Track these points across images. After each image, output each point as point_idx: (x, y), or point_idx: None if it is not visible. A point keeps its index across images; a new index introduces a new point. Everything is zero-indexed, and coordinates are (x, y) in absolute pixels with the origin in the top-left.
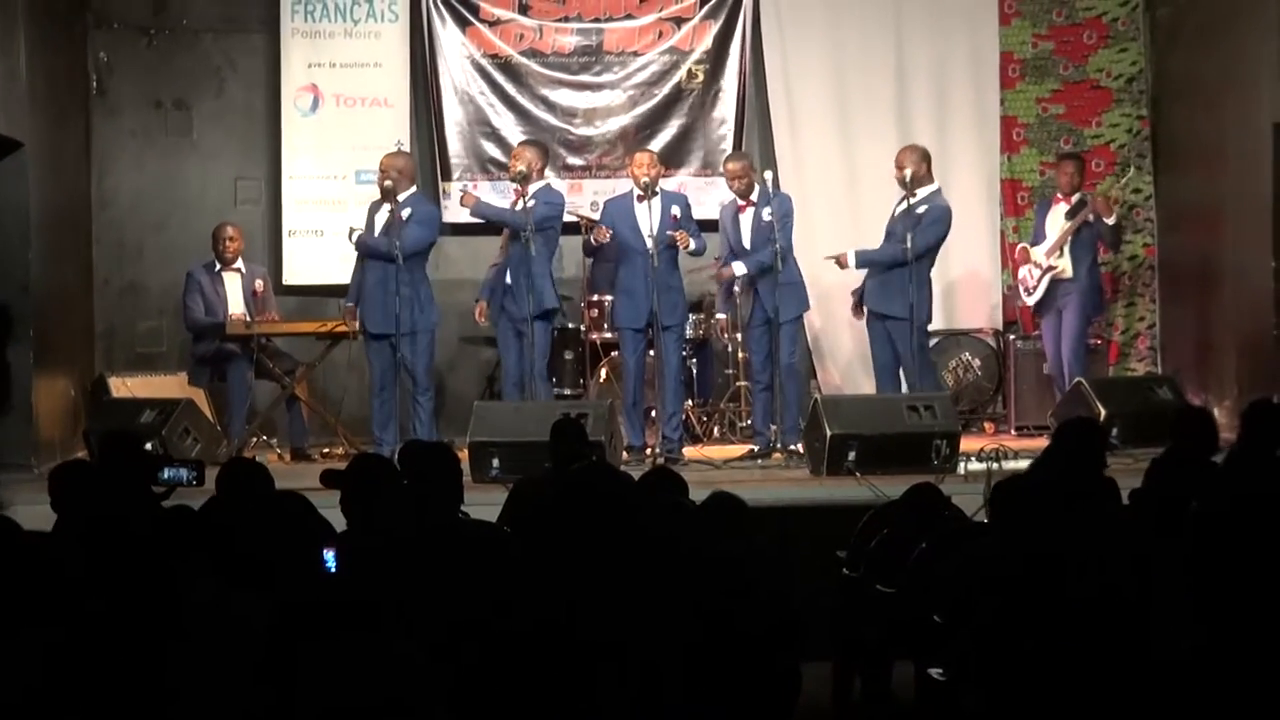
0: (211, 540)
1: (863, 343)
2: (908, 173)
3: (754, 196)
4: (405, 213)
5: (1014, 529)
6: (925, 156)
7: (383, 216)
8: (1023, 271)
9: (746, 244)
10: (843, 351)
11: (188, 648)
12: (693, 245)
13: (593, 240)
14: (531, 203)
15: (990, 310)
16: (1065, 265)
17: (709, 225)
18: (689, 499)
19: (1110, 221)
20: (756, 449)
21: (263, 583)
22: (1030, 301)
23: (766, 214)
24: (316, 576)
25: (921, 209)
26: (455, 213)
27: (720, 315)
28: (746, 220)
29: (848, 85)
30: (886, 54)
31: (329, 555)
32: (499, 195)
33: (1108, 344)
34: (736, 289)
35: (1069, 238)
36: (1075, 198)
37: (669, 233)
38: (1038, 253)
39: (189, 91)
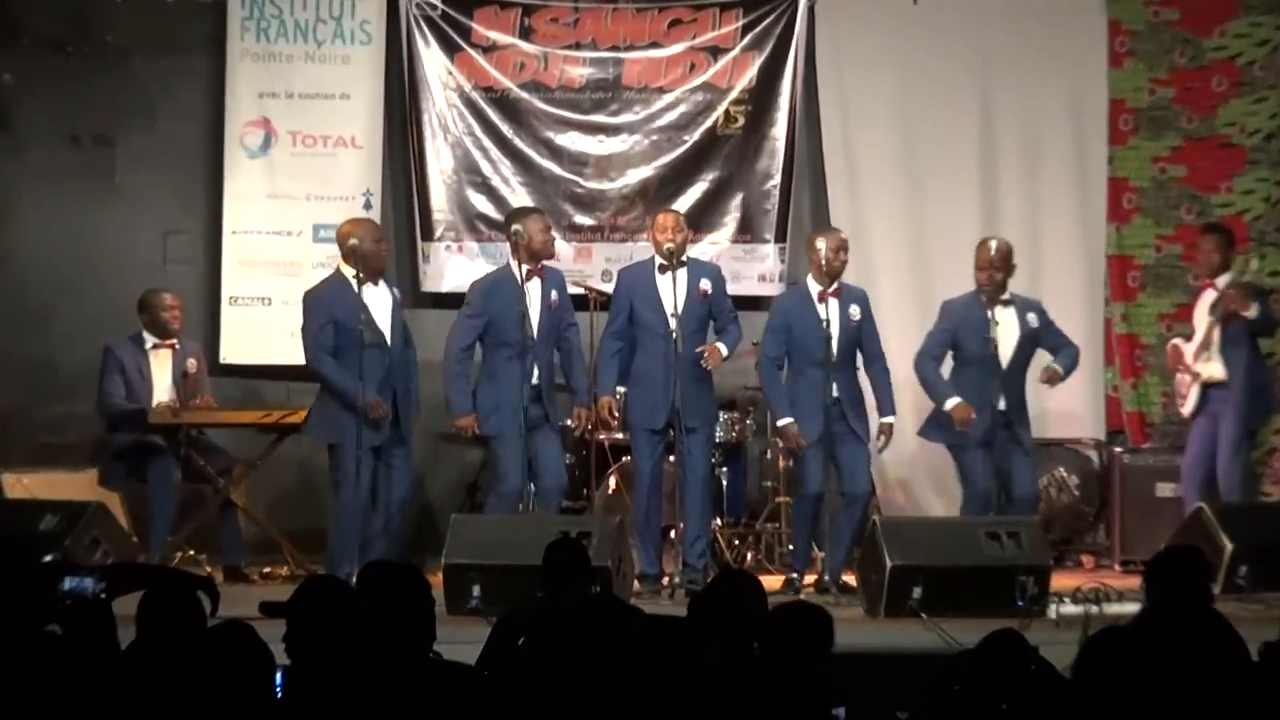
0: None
1: (931, 453)
2: (999, 276)
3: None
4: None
5: (1110, 692)
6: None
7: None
8: (1179, 375)
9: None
10: (907, 464)
11: None
12: (725, 352)
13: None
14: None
15: (1091, 416)
16: (1216, 368)
17: (745, 304)
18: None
19: (1250, 315)
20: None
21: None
22: (1185, 412)
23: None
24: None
25: (1032, 317)
26: (434, 280)
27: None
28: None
29: (920, 137)
30: (969, 100)
31: (278, 678)
32: (489, 260)
33: None
34: None
35: (1215, 335)
36: (1223, 283)
37: (697, 350)
38: (1190, 352)
39: (112, 124)
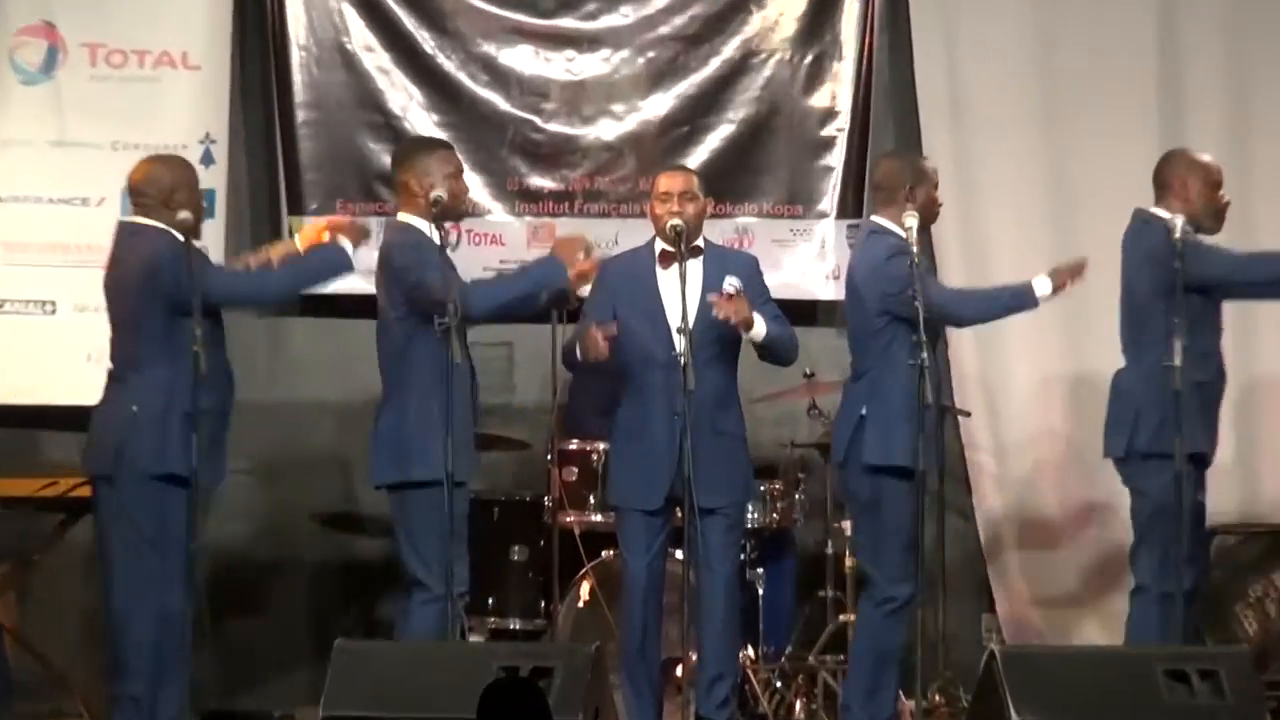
0: None
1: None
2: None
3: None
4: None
5: None
6: None
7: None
8: None
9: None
10: (1037, 540)
11: None
12: (762, 330)
13: (589, 350)
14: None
15: None
16: None
17: (794, 311)
18: None
19: None
20: None
21: None
22: None
23: None
24: None
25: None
26: None
27: None
28: None
29: (1064, 54)
30: (1139, 7)
31: None
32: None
33: None
34: None
35: None
36: None
37: (711, 297)
38: None
39: None
